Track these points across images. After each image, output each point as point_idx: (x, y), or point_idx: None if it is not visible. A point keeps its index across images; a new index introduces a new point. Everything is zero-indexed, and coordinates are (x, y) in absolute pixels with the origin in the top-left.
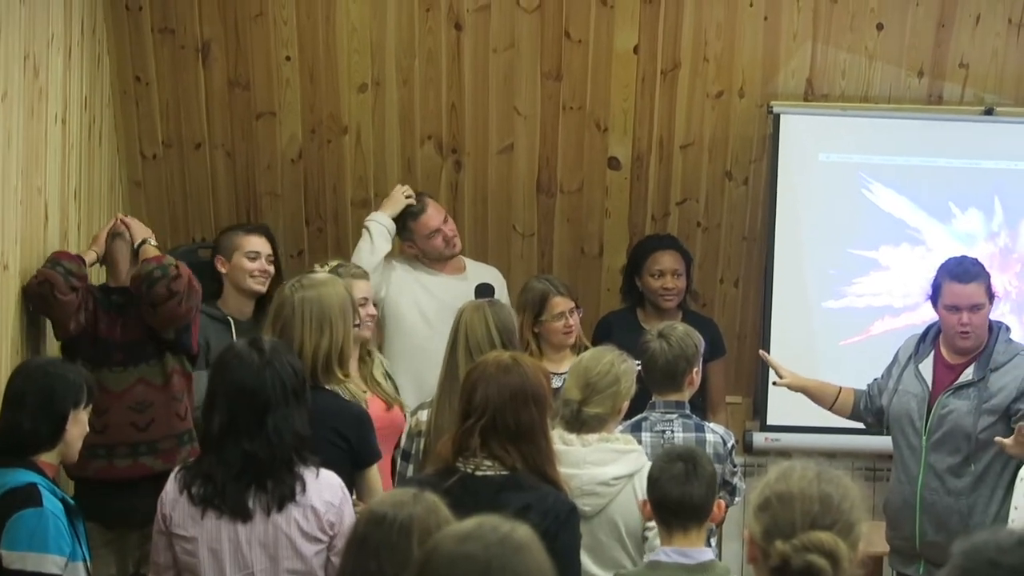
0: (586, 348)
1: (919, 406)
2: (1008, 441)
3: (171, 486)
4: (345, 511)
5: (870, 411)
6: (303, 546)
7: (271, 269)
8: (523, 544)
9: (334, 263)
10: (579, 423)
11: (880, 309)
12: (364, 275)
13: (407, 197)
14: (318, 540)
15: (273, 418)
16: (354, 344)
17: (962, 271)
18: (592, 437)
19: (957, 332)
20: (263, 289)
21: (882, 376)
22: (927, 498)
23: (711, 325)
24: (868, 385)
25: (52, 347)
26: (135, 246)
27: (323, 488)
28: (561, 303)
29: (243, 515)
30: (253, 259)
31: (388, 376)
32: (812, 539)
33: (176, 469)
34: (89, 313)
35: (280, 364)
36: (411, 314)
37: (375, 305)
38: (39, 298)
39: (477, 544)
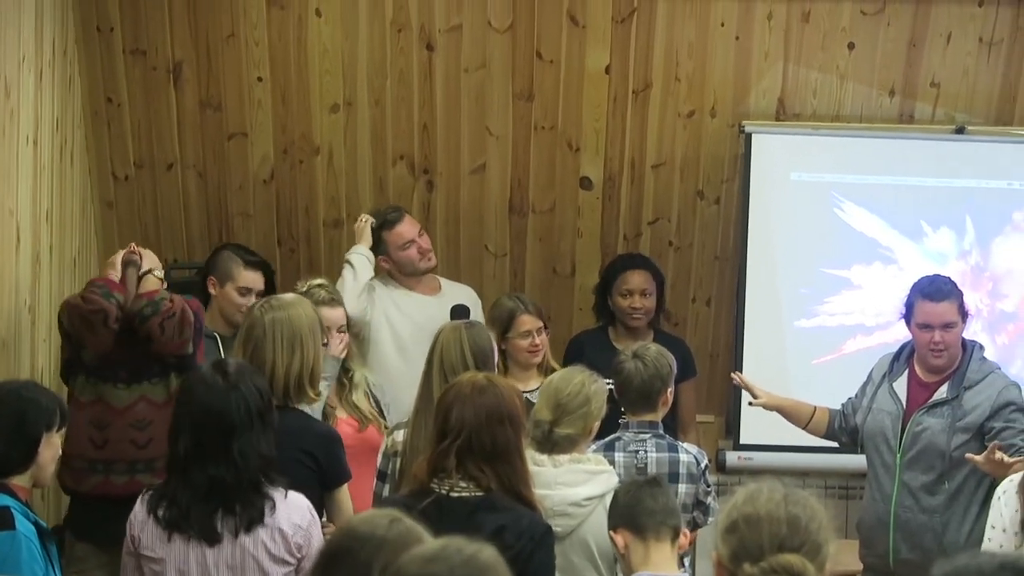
0: (553, 369)
1: (893, 424)
2: (979, 458)
3: (139, 508)
4: (313, 533)
5: (844, 430)
6: (271, 568)
7: None
8: (488, 565)
9: (316, 282)
10: (550, 444)
11: (852, 328)
12: (332, 302)
13: (366, 222)
14: (286, 562)
15: (239, 442)
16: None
17: (934, 290)
18: (563, 458)
19: (930, 351)
20: None
21: (856, 395)
22: (901, 516)
23: (682, 345)
24: (842, 404)
25: (24, 370)
26: (139, 274)
27: (291, 510)
28: (528, 321)
29: (211, 538)
30: (244, 295)
31: (371, 396)
32: (780, 562)
33: (143, 491)
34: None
35: (246, 387)
36: (383, 334)
37: (343, 330)
38: (87, 325)
39: (442, 566)
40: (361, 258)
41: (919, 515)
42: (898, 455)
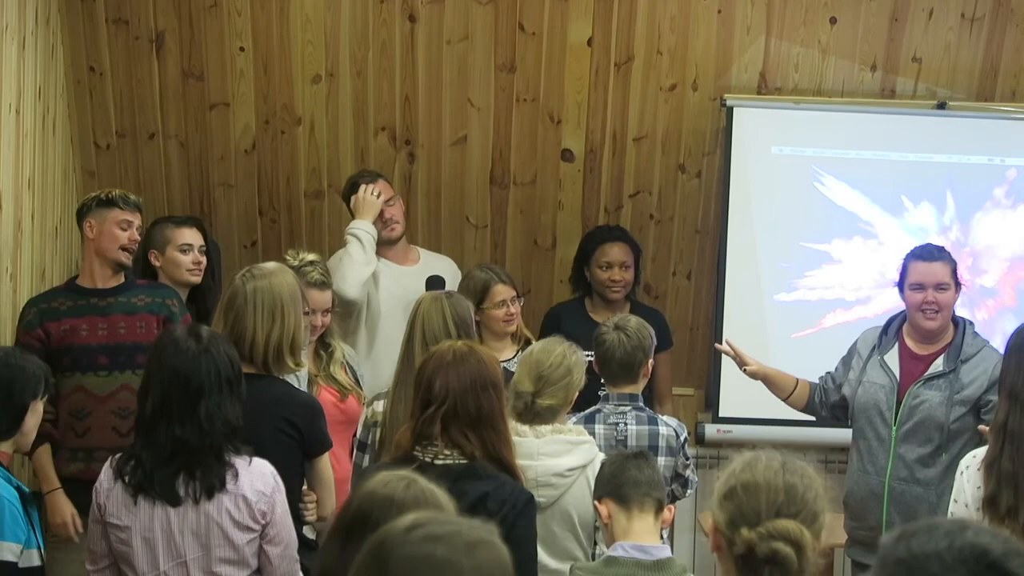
0: (526, 338)
1: (887, 397)
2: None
3: (105, 475)
4: (277, 500)
5: (824, 405)
6: (234, 535)
7: (204, 260)
8: (484, 542)
9: (309, 258)
10: (531, 415)
11: (832, 302)
12: (323, 285)
13: (377, 197)
14: (250, 529)
15: (206, 404)
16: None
17: (928, 251)
18: (545, 428)
19: (922, 311)
20: (198, 280)
21: (836, 369)
22: (896, 488)
23: (658, 316)
24: (820, 379)
25: (6, 338)
26: None
27: (255, 477)
28: (503, 291)
29: (172, 500)
30: (186, 252)
31: (348, 367)
32: (778, 527)
33: (111, 457)
34: (60, 331)
35: (216, 352)
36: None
37: (328, 313)
38: None
39: (443, 547)
40: (368, 236)
41: (914, 487)
42: (894, 428)
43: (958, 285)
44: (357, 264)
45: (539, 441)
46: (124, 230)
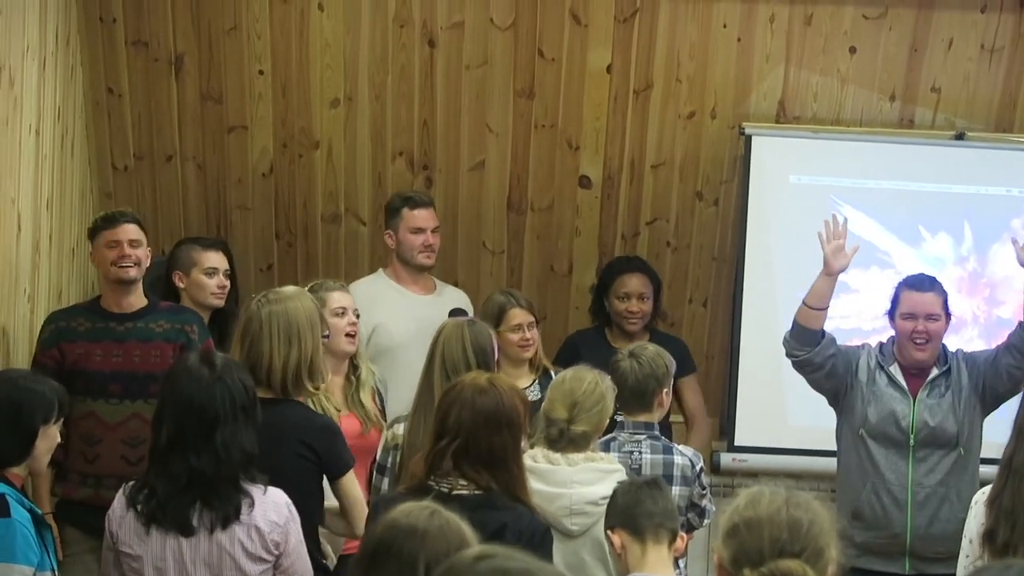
0: (544, 366)
1: (902, 408)
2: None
3: (118, 503)
4: (291, 530)
5: (823, 346)
6: (247, 566)
7: (228, 284)
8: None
9: (317, 282)
10: (564, 442)
11: (849, 332)
12: (341, 287)
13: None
14: (262, 560)
15: (222, 434)
16: (340, 360)
17: (919, 281)
18: (578, 456)
19: (912, 341)
20: (222, 304)
21: (842, 346)
22: (919, 494)
23: (679, 343)
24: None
25: (22, 359)
26: None
27: (268, 508)
28: (519, 315)
29: (185, 530)
30: (211, 275)
31: (377, 392)
32: (780, 568)
33: (124, 484)
34: (75, 353)
35: (231, 380)
36: (379, 335)
37: (359, 313)
38: None
39: None
40: None
41: (938, 488)
42: (911, 435)
43: (948, 316)
44: None
45: (572, 469)
46: (113, 248)
